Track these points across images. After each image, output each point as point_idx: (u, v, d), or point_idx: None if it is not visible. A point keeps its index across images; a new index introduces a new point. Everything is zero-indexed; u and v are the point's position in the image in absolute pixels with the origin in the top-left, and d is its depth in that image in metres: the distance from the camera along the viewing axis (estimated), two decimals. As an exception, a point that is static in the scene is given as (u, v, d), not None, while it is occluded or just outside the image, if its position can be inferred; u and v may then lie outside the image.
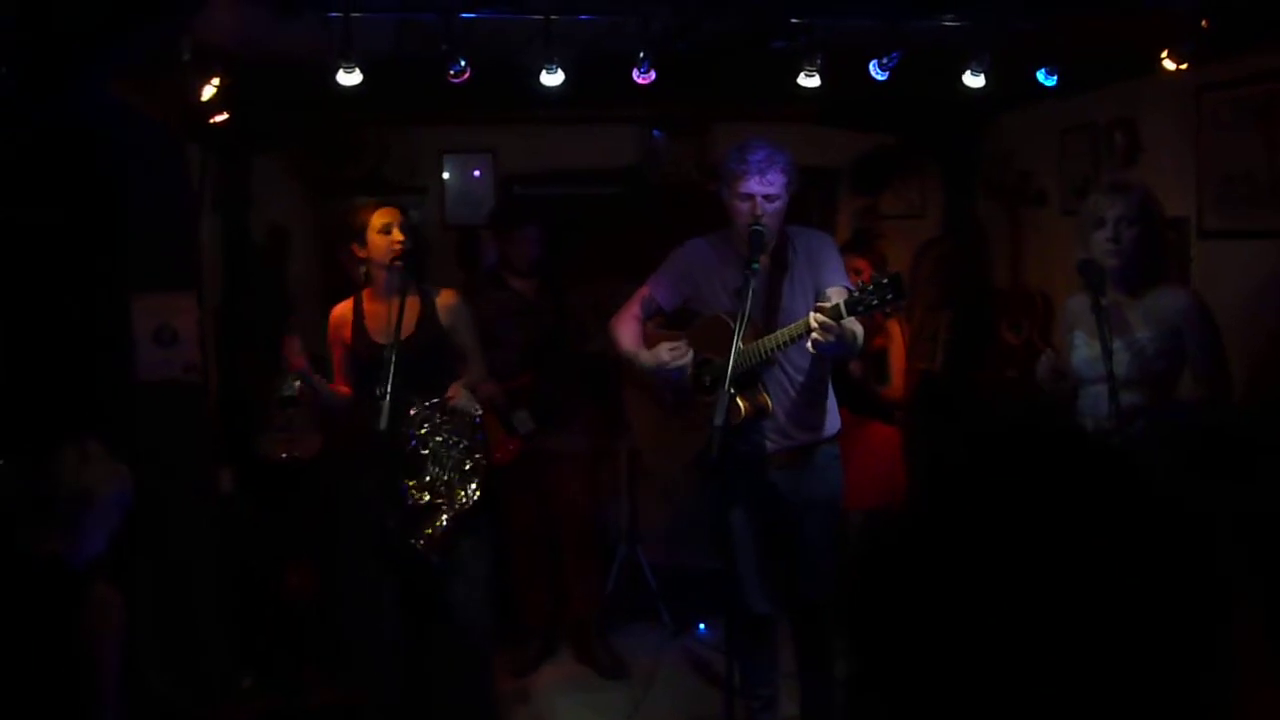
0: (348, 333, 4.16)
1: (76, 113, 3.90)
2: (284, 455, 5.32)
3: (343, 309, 4.22)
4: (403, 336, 3.96)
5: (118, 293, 4.60)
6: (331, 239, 4.34)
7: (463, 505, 4.01)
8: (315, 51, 3.88)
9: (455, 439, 4.00)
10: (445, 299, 4.21)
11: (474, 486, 4.02)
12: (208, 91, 4.31)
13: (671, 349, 3.96)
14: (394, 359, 3.67)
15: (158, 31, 3.68)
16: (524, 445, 5.24)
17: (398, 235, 4.01)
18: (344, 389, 4.19)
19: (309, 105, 4.92)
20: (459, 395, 4.04)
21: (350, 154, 6.06)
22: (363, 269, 4.11)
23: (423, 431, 3.99)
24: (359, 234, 4.07)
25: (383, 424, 3.59)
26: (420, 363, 4.02)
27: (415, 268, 4.04)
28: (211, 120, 4.59)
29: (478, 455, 4.04)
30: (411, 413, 3.93)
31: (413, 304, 4.03)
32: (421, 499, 3.98)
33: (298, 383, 4.05)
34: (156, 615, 4.54)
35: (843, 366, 4.90)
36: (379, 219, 4.04)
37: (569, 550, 5.48)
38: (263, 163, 5.83)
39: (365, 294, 4.18)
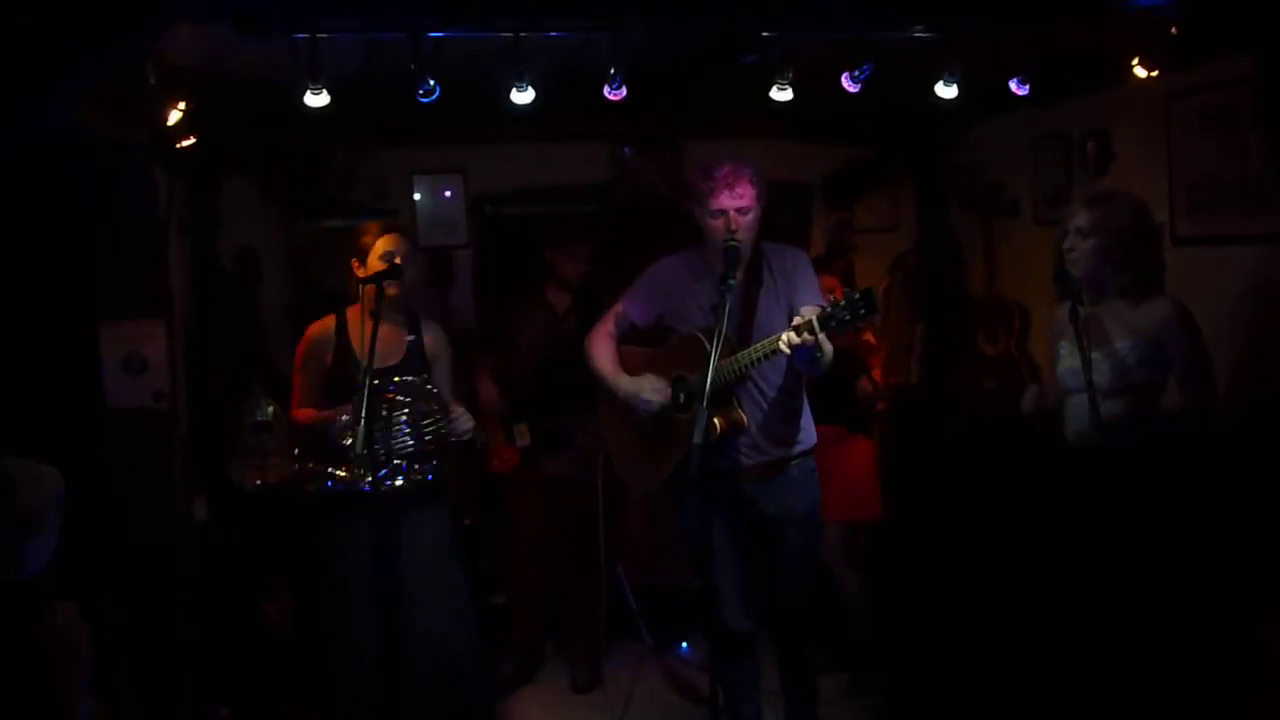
0: (330, 354, 4.05)
1: (40, 137, 3.85)
2: (258, 482, 5.26)
3: (323, 327, 4.10)
4: (388, 363, 3.96)
5: (86, 320, 4.54)
6: (303, 260, 4.26)
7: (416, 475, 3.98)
8: (282, 73, 3.84)
9: (418, 414, 3.94)
10: (433, 331, 4.19)
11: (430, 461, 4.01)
12: (174, 115, 4.27)
13: (654, 388, 3.97)
14: (367, 383, 3.61)
15: (121, 54, 3.63)
16: (521, 458, 5.25)
17: (396, 264, 3.95)
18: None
19: (277, 127, 4.87)
20: (457, 410, 4.00)
21: (319, 176, 6.01)
22: (356, 287, 4.06)
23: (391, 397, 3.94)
24: (361, 252, 4.03)
25: (358, 449, 3.54)
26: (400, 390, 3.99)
27: (406, 298, 4.04)
28: (178, 144, 4.54)
29: (429, 436, 3.95)
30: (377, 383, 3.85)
31: (398, 333, 4.05)
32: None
33: (270, 408, 3.99)
34: (132, 646, 4.48)
35: (851, 387, 4.94)
36: (383, 244, 4.01)
37: (570, 570, 5.48)
38: (230, 186, 5.77)
39: (351, 313, 4.12)
